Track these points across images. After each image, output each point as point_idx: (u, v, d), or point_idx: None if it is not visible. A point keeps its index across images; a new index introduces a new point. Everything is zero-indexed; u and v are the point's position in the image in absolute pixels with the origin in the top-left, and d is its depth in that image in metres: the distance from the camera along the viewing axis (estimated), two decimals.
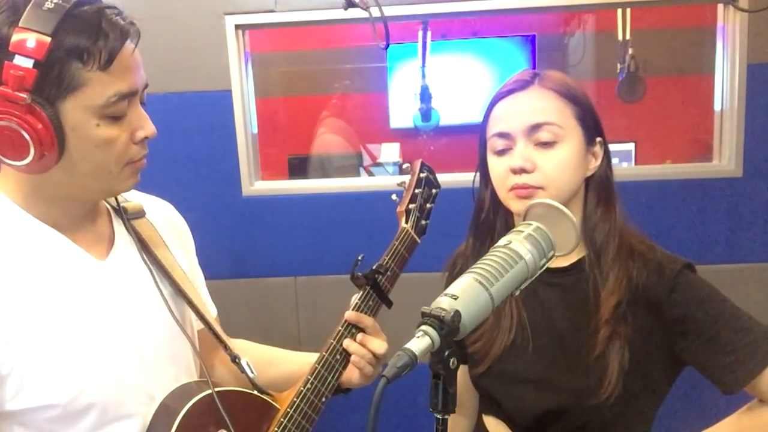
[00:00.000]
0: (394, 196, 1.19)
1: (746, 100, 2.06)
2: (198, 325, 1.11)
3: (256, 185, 2.23)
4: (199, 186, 2.18)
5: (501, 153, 1.06)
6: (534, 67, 3.71)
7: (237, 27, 2.12)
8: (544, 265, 0.84)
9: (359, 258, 1.08)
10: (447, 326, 0.70)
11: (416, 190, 1.18)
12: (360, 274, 1.09)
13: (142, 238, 1.01)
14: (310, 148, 3.17)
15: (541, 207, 0.90)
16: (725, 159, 2.12)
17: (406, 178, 1.21)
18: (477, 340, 1.11)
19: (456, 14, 2.14)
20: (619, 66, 3.02)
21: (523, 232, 0.84)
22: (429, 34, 2.91)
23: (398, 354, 0.67)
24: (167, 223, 1.10)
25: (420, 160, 1.21)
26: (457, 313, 0.71)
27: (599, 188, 1.07)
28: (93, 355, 0.89)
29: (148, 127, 0.90)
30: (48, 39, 0.77)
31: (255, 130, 2.26)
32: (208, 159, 2.20)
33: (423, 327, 0.70)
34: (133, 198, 1.06)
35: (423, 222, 1.18)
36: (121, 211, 1.00)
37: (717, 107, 2.14)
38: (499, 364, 1.09)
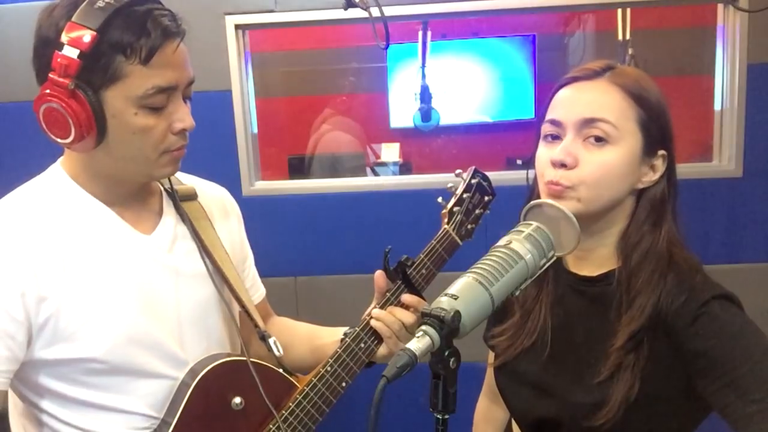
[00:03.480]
0: (440, 199, 1.20)
1: (746, 100, 2.06)
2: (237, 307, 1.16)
3: (256, 185, 2.24)
4: None
5: (549, 141, 0.98)
6: (534, 67, 3.71)
7: (237, 27, 2.12)
8: (544, 265, 0.84)
9: (387, 250, 1.09)
10: (447, 326, 0.70)
11: (464, 195, 1.18)
12: (391, 267, 1.10)
13: (188, 219, 1.08)
14: (312, 146, 3.16)
15: (541, 206, 0.90)
16: (725, 159, 2.12)
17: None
18: (502, 334, 1.09)
19: (456, 14, 2.14)
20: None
21: (523, 232, 0.84)
22: (429, 34, 2.91)
23: (398, 354, 0.67)
24: (218, 206, 1.18)
25: (473, 166, 1.22)
26: (457, 313, 0.71)
27: (651, 206, 0.97)
28: (127, 317, 0.97)
29: (186, 120, 0.97)
30: (94, 33, 0.87)
31: (255, 130, 2.26)
32: (208, 159, 2.18)
33: (423, 327, 0.70)
34: (188, 181, 1.15)
35: (469, 226, 1.19)
36: (173, 194, 1.09)
37: (717, 107, 2.14)
38: (514, 362, 1.07)
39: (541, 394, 1.03)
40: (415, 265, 1.11)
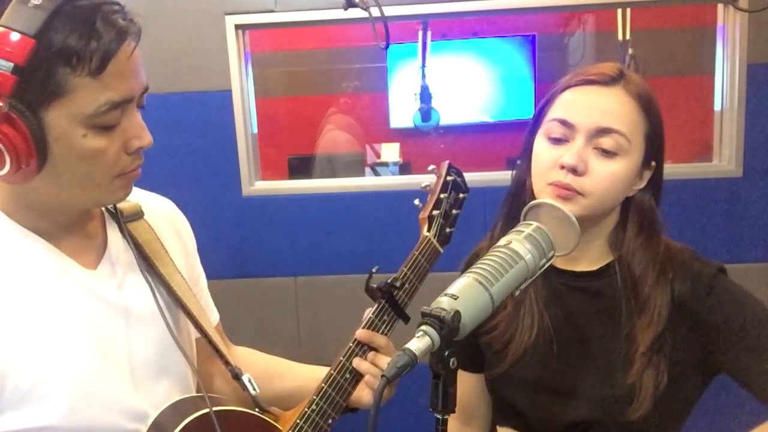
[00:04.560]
0: (417, 201, 1.11)
1: (746, 100, 2.06)
2: (196, 333, 1.05)
3: (256, 185, 2.23)
4: (199, 186, 2.18)
5: (555, 141, 0.96)
6: (534, 67, 3.71)
7: (237, 27, 2.12)
8: (544, 265, 0.84)
9: (373, 270, 1.00)
10: (447, 326, 0.70)
11: (441, 195, 1.08)
12: (375, 287, 1.00)
13: (138, 243, 0.93)
14: (313, 146, 3.17)
15: (542, 207, 0.90)
16: (725, 159, 2.12)
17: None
18: (493, 329, 1.05)
19: (456, 14, 2.14)
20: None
21: (523, 232, 0.84)
22: (429, 34, 2.91)
23: (398, 354, 0.67)
24: (167, 223, 1.03)
25: (447, 162, 1.12)
26: (457, 313, 0.71)
27: (641, 215, 1.00)
28: (81, 371, 0.82)
29: (144, 137, 0.81)
30: (31, 41, 0.69)
31: (255, 130, 2.26)
32: (208, 159, 2.20)
33: (423, 327, 0.70)
34: (131, 197, 0.93)
35: (447, 230, 1.09)
36: (117, 215, 0.92)
37: (717, 107, 2.14)
38: (520, 370, 1.03)
39: (565, 398, 1.01)
40: (402, 286, 1.02)
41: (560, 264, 1.04)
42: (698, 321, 0.96)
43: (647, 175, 0.99)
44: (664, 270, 0.98)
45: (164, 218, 1.03)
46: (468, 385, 1.14)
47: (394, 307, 1.02)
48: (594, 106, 0.94)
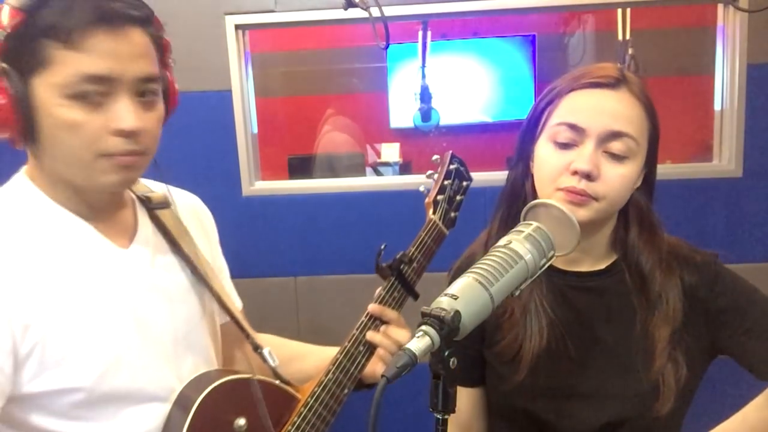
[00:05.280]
0: (422, 188, 1.16)
1: (746, 100, 2.06)
2: (221, 319, 1.12)
3: (256, 185, 2.24)
4: (198, 186, 2.16)
5: (563, 146, 0.95)
6: (534, 67, 3.71)
7: (237, 27, 2.12)
8: (544, 265, 0.84)
9: (382, 247, 1.05)
10: (447, 326, 0.70)
11: (445, 182, 1.14)
12: (384, 264, 1.06)
13: (164, 227, 1.01)
14: (313, 146, 3.17)
15: (542, 207, 0.90)
16: (725, 159, 2.12)
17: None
18: (501, 340, 1.04)
19: (456, 14, 2.14)
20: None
21: (523, 232, 0.84)
22: (429, 34, 2.91)
23: (398, 354, 0.67)
24: (192, 214, 1.11)
25: (450, 151, 1.17)
26: (457, 313, 0.71)
27: (640, 213, 1.02)
28: (113, 340, 0.89)
29: (126, 119, 0.84)
30: (22, 13, 0.79)
31: (255, 130, 2.26)
32: (208, 159, 2.20)
33: (423, 327, 0.70)
34: (158, 189, 1.07)
35: (452, 214, 1.15)
36: (144, 200, 1.01)
37: (717, 107, 2.14)
38: (538, 378, 1.01)
39: (593, 401, 1.00)
40: (411, 261, 1.08)
41: (563, 265, 1.04)
42: (709, 309, 0.99)
43: (642, 174, 1.00)
44: (670, 266, 1.00)
45: (189, 209, 1.11)
46: (465, 400, 1.13)
47: (404, 283, 1.07)
48: (604, 110, 0.93)
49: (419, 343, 0.68)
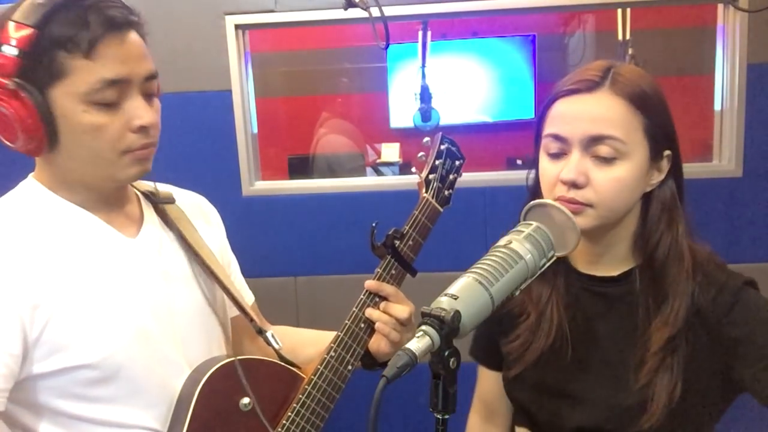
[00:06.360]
0: (413, 169, 1.18)
1: (746, 100, 2.06)
2: (232, 312, 1.14)
3: (256, 185, 2.24)
4: (198, 186, 2.16)
5: (554, 157, 0.96)
6: (534, 67, 3.71)
7: (237, 27, 2.12)
8: (544, 265, 0.84)
9: (374, 225, 1.07)
10: (447, 326, 0.70)
11: (437, 161, 1.16)
12: (378, 243, 1.08)
13: (170, 220, 1.05)
14: (310, 149, 3.17)
15: (541, 207, 0.90)
16: (725, 159, 2.12)
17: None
18: (514, 340, 1.05)
19: (456, 14, 2.14)
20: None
21: (523, 232, 0.84)
22: (429, 34, 2.91)
23: (398, 354, 0.67)
24: (196, 210, 1.15)
25: (440, 133, 1.18)
26: (457, 313, 0.71)
27: (662, 206, 0.97)
28: (123, 321, 0.93)
29: (145, 116, 0.91)
30: (32, 30, 0.84)
31: (255, 130, 2.26)
32: (208, 159, 2.20)
33: (423, 327, 0.70)
34: (163, 187, 1.11)
35: (446, 192, 1.16)
36: (149, 196, 1.06)
37: (717, 107, 2.14)
38: (534, 372, 1.02)
39: (574, 403, 1.00)
40: (403, 237, 1.10)
41: (583, 267, 1.03)
42: (719, 333, 0.93)
43: (665, 165, 0.96)
44: (688, 272, 0.96)
45: (193, 206, 1.16)
46: (490, 381, 1.14)
47: (399, 259, 1.08)
48: (581, 116, 0.93)
49: (419, 343, 0.68)
